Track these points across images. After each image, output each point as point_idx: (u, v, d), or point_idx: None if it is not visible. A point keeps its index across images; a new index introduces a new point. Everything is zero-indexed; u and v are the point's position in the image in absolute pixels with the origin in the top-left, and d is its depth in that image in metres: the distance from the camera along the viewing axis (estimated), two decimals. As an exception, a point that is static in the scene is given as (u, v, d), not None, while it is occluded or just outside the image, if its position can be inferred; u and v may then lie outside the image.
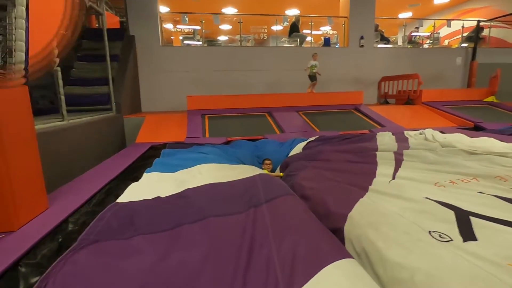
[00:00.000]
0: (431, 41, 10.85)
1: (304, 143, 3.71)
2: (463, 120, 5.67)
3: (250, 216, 1.46)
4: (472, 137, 3.47)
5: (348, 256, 1.17)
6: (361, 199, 1.60)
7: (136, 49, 7.48)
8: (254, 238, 1.25)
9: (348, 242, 1.35)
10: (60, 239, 1.66)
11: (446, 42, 12.06)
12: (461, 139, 3.38)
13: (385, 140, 2.79)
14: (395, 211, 1.43)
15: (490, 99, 7.38)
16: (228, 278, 1.02)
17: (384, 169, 2.12)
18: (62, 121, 3.56)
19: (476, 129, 5.19)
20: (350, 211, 1.48)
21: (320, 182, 2.01)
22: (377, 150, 2.52)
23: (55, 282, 1.02)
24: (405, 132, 3.74)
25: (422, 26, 10.42)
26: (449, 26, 9.83)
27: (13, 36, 1.59)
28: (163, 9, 10.56)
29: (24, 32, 1.70)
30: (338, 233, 1.44)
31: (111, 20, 9.07)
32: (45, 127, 3.07)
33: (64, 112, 3.63)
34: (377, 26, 9.15)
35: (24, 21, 1.69)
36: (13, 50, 1.62)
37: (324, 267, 1.01)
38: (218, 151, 3.52)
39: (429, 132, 3.86)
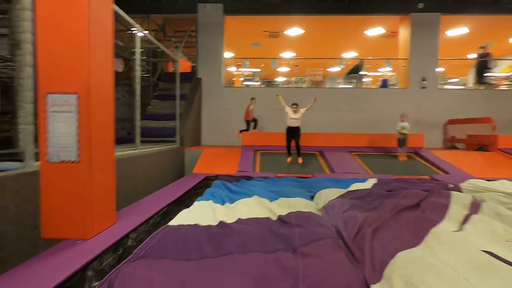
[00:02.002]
0: (510, 83, 9.78)
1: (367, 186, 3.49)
2: (553, 172, 4.83)
3: (281, 257, 1.51)
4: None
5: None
6: (412, 248, 1.51)
7: (202, 90, 8.40)
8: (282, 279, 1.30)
9: (387, 281, 1.29)
10: (120, 251, 1.92)
11: (530, 83, 10.72)
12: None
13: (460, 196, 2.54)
14: (447, 263, 1.32)
15: None
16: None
17: (449, 221, 1.94)
18: (136, 150, 4.14)
19: None
20: (396, 254, 1.41)
21: (372, 222, 1.95)
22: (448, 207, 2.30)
23: (110, 286, 1.22)
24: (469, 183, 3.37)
25: (496, 66, 9.55)
26: (531, 66, 8.82)
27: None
28: (228, 54, 11.80)
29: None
30: (379, 273, 1.38)
31: (184, 65, 10.48)
32: (122, 154, 3.63)
33: (138, 142, 4.23)
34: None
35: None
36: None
37: None
38: (266, 185, 3.64)
39: (505, 183, 3.41)
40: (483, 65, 8.71)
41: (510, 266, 1.26)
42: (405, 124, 5.73)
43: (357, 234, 1.86)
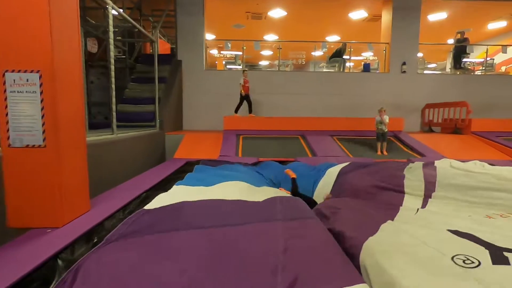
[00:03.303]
0: (483, 68, 10.14)
1: (337, 170, 3.55)
2: (520, 153, 5.12)
3: (261, 227, 1.50)
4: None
5: (359, 281, 1.15)
6: (382, 225, 1.54)
7: (182, 72, 8.12)
8: (262, 249, 1.29)
9: (363, 269, 1.31)
10: (95, 240, 1.85)
11: (503, 68, 11.18)
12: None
13: (415, 166, 2.64)
14: (416, 240, 1.36)
15: (556, 131, 6.57)
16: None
17: (411, 198, 2.02)
18: (112, 134, 3.97)
19: (537, 164, 4.63)
20: (367, 238, 1.44)
21: (343, 208, 1.98)
22: (404, 178, 2.40)
23: (76, 274, 1.16)
24: (439, 161, 3.51)
25: (472, 52, 9.83)
26: (504, 52, 9.15)
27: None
28: (209, 36, 11.43)
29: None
30: (354, 260, 1.41)
31: (163, 47, 10.06)
32: (97, 139, 3.46)
33: (115, 127, 4.05)
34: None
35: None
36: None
37: None
38: (248, 170, 3.62)
39: (473, 163, 3.56)
40: (460, 51, 8.94)
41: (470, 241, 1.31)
42: (385, 118, 5.40)
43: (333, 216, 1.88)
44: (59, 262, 1.53)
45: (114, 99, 4.01)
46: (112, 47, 4.01)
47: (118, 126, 4.31)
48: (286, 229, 1.51)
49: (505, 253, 1.23)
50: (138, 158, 4.73)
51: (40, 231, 1.77)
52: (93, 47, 7.54)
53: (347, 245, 1.49)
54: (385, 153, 5.42)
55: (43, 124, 1.78)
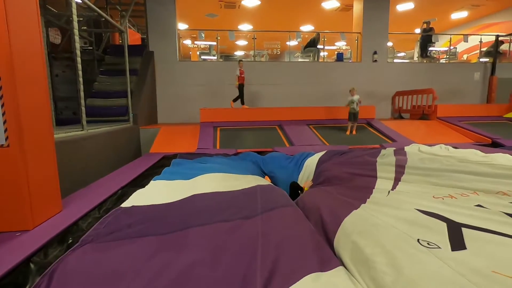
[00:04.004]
0: (448, 56, 10.70)
1: (315, 161, 3.62)
2: (480, 136, 5.51)
3: (241, 225, 1.51)
4: (486, 153, 3.38)
5: (335, 265, 1.21)
6: (355, 210, 1.62)
7: (155, 64, 7.84)
8: (241, 245, 1.31)
9: (338, 251, 1.38)
10: (70, 241, 1.78)
11: (465, 57, 11.85)
12: (473, 154, 3.30)
13: (388, 152, 2.80)
14: (387, 221, 1.45)
15: (510, 115, 7.13)
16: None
17: (383, 182, 2.13)
18: (82, 130, 3.78)
19: (494, 146, 5.02)
20: (342, 220, 1.51)
21: (319, 195, 2.05)
22: (377, 163, 2.53)
23: (51, 278, 1.12)
24: (409, 146, 3.71)
25: (438, 41, 10.33)
26: (466, 41, 9.69)
27: None
28: (182, 26, 11.07)
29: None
30: (330, 241, 1.48)
31: (133, 37, 9.63)
32: (66, 135, 3.29)
33: (84, 122, 3.86)
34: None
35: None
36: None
37: (299, 279, 1.05)
38: (226, 161, 3.61)
39: (439, 147, 3.80)
40: (426, 40, 9.34)
41: (440, 220, 1.41)
42: (355, 97, 5.80)
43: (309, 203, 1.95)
44: (32, 266, 1.46)
45: (82, 93, 3.81)
46: (77, 37, 3.77)
47: (88, 122, 4.11)
48: (265, 221, 1.54)
49: (463, 229, 1.35)
50: (112, 154, 4.56)
51: (9, 235, 1.68)
52: (56, 37, 7.07)
53: (325, 228, 1.55)
54: (354, 133, 5.90)
55: (4, 122, 1.66)
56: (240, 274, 1.09)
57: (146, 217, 1.70)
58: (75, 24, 3.72)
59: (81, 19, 6.92)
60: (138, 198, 1.99)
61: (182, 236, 1.43)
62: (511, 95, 7.36)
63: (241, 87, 7.10)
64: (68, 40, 6.88)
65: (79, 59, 3.76)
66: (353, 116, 5.88)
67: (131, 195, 2.34)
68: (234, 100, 7.21)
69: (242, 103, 7.23)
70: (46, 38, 6.01)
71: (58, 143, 2.95)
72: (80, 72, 3.78)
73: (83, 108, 3.87)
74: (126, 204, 1.91)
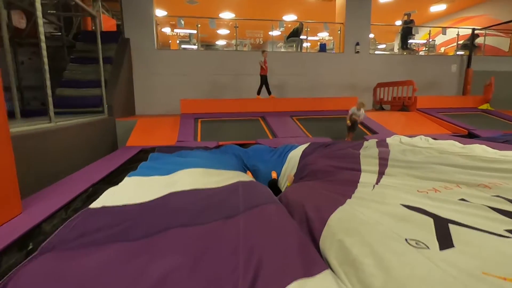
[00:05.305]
0: (426, 49, 10.92)
1: (299, 154, 3.54)
2: (457, 127, 5.66)
3: (222, 226, 1.41)
4: (464, 144, 3.45)
5: (321, 269, 1.13)
6: (341, 206, 1.55)
7: (131, 52, 7.46)
8: (221, 250, 1.20)
9: (324, 251, 1.31)
10: (30, 247, 1.60)
11: (442, 49, 12.15)
12: (452, 146, 3.36)
13: (370, 145, 2.78)
14: (374, 218, 1.39)
15: (485, 106, 7.39)
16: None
17: (367, 175, 2.09)
18: (49, 123, 3.50)
19: (470, 137, 5.18)
20: (328, 218, 1.44)
21: (304, 191, 1.97)
22: (360, 156, 2.49)
23: None
24: (390, 138, 3.73)
25: (417, 33, 10.50)
26: (444, 33, 9.91)
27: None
28: (160, 12, 10.58)
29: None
30: (315, 240, 1.40)
31: (108, 23, 9.08)
32: (30, 129, 3.02)
33: (52, 114, 3.57)
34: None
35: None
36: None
37: (286, 286, 0.97)
38: (207, 155, 3.47)
39: (419, 138, 3.84)
40: (407, 32, 9.45)
41: (424, 215, 1.37)
42: (361, 113, 5.04)
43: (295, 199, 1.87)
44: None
45: (48, 82, 3.51)
46: (41, 21, 3.45)
47: (58, 113, 3.82)
48: (247, 221, 1.43)
49: (450, 225, 1.31)
50: (86, 148, 4.29)
51: (-43, 243, 1.48)
52: (20, 22, 6.50)
53: (310, 227, 1.47)
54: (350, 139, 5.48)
55: None
56: (221, 285, 0.99)
57: (117, 219, 1.55)
58: (38, 6, 3.39)
59: (47, 1, 6.40)
60: (110, 198, 1.82)
61: (157, 242, 1.30)
62: (485, 87, 7.62)
63: (264, 78, 7.01)
64: (34, 25, 6.35)
65: (43, 45, 3.44)
66: (355, 126, 5.21)
67: (103, 192, 2.16)
68: (258, 93, 7.13)
69: (269, 93, 7.16)
70: (7, 21, 5.50)
71: (19, 137, 2.70)
72: (46, 59, 3.47)
73: (50, 99, 3.57)
74: (95, 204, 1.74)
